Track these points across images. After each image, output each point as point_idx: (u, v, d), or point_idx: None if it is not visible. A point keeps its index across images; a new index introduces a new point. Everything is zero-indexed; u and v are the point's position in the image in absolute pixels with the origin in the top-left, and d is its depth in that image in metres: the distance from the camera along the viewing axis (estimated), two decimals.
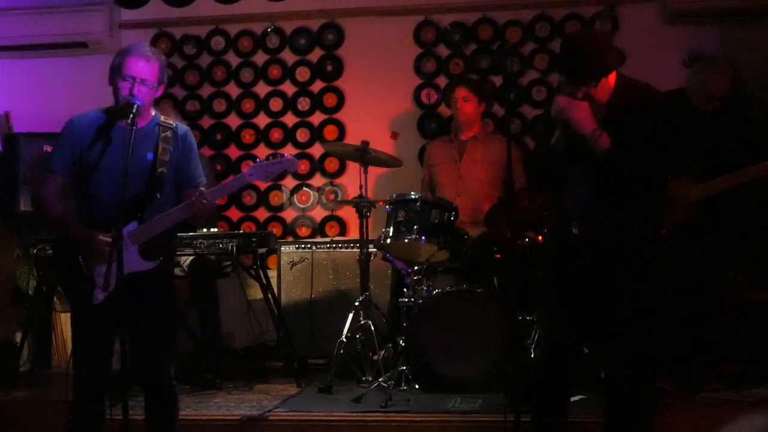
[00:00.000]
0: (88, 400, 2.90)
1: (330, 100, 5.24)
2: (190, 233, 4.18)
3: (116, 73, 2.90)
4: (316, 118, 5.24)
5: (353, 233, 5.04)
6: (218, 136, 5.34)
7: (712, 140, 3.65)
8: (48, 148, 4.16)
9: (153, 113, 3.04)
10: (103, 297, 2.82)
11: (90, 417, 2.91)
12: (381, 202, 4.16)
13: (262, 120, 5.28)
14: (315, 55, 5.24)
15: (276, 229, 5.13)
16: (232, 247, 4.16)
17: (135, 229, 2.88)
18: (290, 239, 5.10)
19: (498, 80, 5.03)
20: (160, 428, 3.01)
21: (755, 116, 3.83)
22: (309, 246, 4.78)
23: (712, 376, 3.78)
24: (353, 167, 4.72)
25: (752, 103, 3.96)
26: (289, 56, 5.26)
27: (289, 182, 5.27)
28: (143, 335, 2.92)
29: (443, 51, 5.12)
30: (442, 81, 5.06)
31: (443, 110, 5.00)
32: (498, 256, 4.03)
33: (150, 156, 2.94)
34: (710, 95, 3.69)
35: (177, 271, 4.45)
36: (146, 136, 2.96)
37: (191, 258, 4.47)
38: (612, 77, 2.85)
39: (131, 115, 2.80)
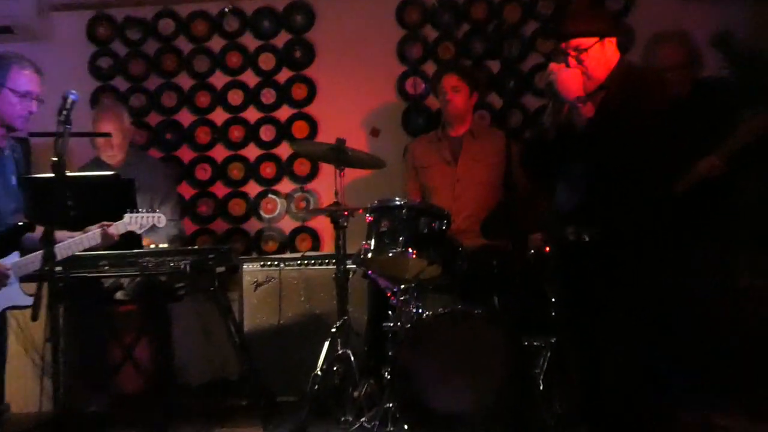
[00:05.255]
0: None
1: (299, 91, 5.25)
2: (136, 250, 4.11)
3: None
4: (283, 112, 5.26)
5: (328, 247, 5.06)
6: (168, 136, 5.33)
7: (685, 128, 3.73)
8: None
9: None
10: None
11: None
12: (360, 210, 4.16)
13: (219, 116, 5.31)
14: (281, 40, 5.25)
15: (237, 244, 5.16)
16: (185, 265, 4.09)
17: (17, 260, 2.93)
18: (254, 255, 5.11)
19: (495, 66, 5.07)
20: None
21: (733, 98, 3.93)
22: (276, 263, 4.78)
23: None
24: (327, 170, 4.68)
25: (734, 85, 4.06)
26: (250, 41, 5.28)
27: (252, 188, 5.27)
28: None
29: (431, 33, 5.15)
30: (430, 68, 5.08)
31: (432, 102, 5.03)
32: (499, 271, 4.05)
33: (14, 180, 3.05)
34: (662, 68, 3.80)
35: (120, 295, 4.38)
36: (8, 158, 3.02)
37: (137, 279, 4.39)
38: (612, 55, 3.02)
39: None
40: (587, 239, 3.04)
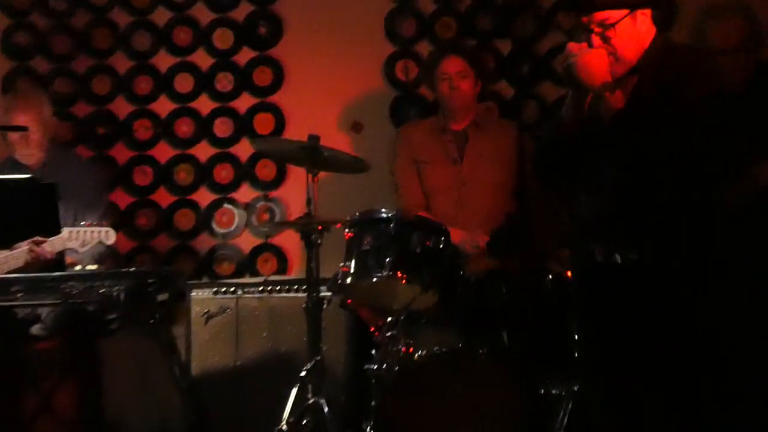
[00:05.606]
0: None
1: (263, 76, 5.27)
2: (56, 273, 4.08)
3: None
4: (243, 102, 5.29)
5: (297, 270, 5.10)
6: (100, 130, 5.33)
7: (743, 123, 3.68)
8: None
9: None
10: None
11: None
12: (338, 224, 4.12)
13: (163, 106, 5.34)
14: (241, 12, 5.28)
15: (185, 265, 5.18)
16: (119, 292, 4.05)
17: None
18: (205, 280, 5.14)
19: (505, 47, 5.09)
20: None
21: None
22: (233, 289, 4.78)
23: None
24: (297, 174, 4.76)
25: None
26: (203, 14, 5.31)
27: (204, 196, 5.28)
28: None
29: (427, 6, 5.16)
30: (424, 48, 5.10)
31: (429, 90, 5.02)
32: (509, 300, 4.05)
33: None
34: (717, 48, 3.79)
35: (36, 329, 4.33)
36: None
37: (58, 309, 4.33)
38: (646, 31, 3.02)
39: None
40: (619, 261, 3.03)
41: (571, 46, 3.03)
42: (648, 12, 3.08)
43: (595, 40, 2.99)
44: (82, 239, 3.80)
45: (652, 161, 2.93)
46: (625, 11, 3.00)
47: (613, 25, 2.98)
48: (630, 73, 3.05)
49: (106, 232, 3.93)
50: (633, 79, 3.02)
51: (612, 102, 2.97)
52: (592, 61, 2.96)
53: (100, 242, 3.95)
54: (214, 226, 5.29)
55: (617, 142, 2.97)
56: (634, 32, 3.01)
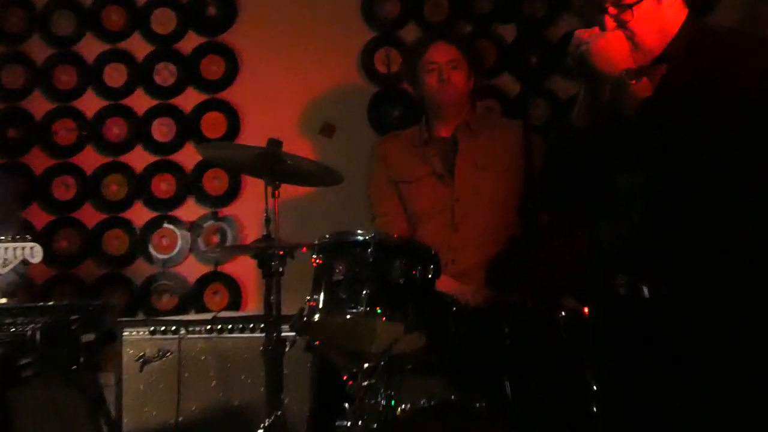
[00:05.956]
0: None
1: (213, 68, 5.34)
2: None
3: None
4: (189, 99, 5.36)
5: (253, 304, 5.17)
6: (12, 133, 5.34)
7: None
8: None
9: None
10: None
11: None
12: (304, 249, 4.12)
13: (89, 103, 5.38)
14: None
15: (116, 298, 5.19)
16: (33, 331, 4.05)
17: None
18: (140, 316, 5.15)
19: (509, 33, 5.13)
20: None
21: None
22: (174, 328, 4.74)
23: None
24: (254, 187, 4.78)
25: None
26: None
27: (140, 214, 5.29)
28: None
29: None
30: (410, 34, 5.13)
31: (413, 87, 4.90)
32: (512, 341, 3.97)
33: None
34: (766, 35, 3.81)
35: None
36: None
37: None
38: (674, 15, 2.98)
39: None
40: (647, 295, 2.97)
41: (580, 33, 2.97)
42: None
43: (609, 22, 2.93)
44: (2, 258, 3.78)
45: (691, 163, 2.87)
46: None
47: (630, 6, 2.92)
48: (656, 62, 2.99)
49: (32, 248, 3.91)
50: (660, 69, 2.97)
51: (638, 91, 2.94)
52: (610, 45, 2.92)
53: (24, 261, 3.94)
54: (152, 250, 5.32)
55: (646, 139, 2.93)
56: (658, 16, 2.96)
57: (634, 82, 2.91)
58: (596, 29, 2.94)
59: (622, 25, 2.91)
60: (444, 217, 4.58)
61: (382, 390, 3.85)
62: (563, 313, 3.95)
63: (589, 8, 2.93)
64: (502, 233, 4.49)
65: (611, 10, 2.92)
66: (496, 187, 4.57)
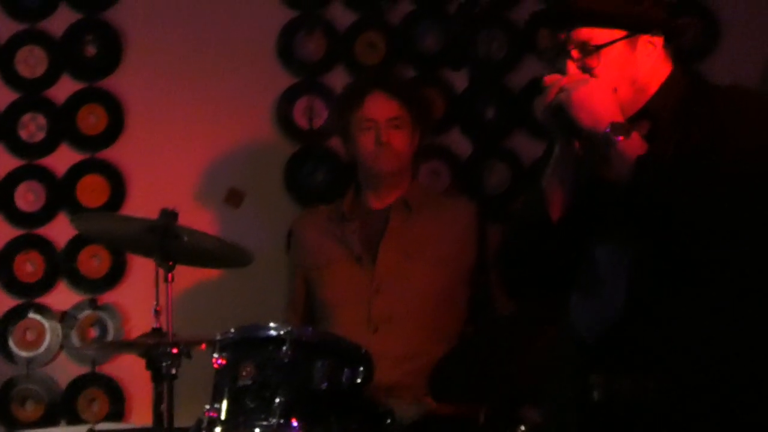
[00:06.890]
0: None
1: (91, 119, 5.03)
2: None
3: None
4: (61, 158, 5.07)
5: (139, 414, 4.82)
6: None
7: None
8: None
9: None
10: None
11: None
12: (203, 346, 3.99)
13: None
14: (58, 23, 5.07)
15: None
16: None
17: None
18: None
19: (461, 80, 4.95)
20: None
21: None
22: None
23: None
24: (142, 268, 4.58)
25: None
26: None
27: None
28: None
29: (343, 16, 5.01)
30: (338, 79, 4.93)
31: (342, 144, 4.78)
32: None
33: None
34: None
35: None
36: None
37: None
38: (652, 66, 2.95)
39: None
40: (631, 399, 2.83)
41: (552, 78, 2.90)
42: (658, 40, 2.92)
43: (571, 67, 2.89)
44: None
45: (695, 237, 2.74)
46: (616, 33, 2.87)
47: (598, 48, 2.86)
48: (636, 118, 2.91)
49: None
50: (643, 125, 2.90)
51: (628, 149, 2.81)
52: (595, 93, 2.82)
53: None
54: (14, 346, 5.00)
55: (639, 206, 2.81)
56: (630, 64, 2.90)
57: (622, 138, 2.81)
58: (577, 74, 2.89)
59: (586, 71, 2.88)
60: (360, 311, 4.43)
61: None
62: (522, 428, 3.91)
63: (552, 50, 2.98)
64: (444, 333, 4.36)
65: (574, 53, 2.89)
66: (431, 279, 4.42)
